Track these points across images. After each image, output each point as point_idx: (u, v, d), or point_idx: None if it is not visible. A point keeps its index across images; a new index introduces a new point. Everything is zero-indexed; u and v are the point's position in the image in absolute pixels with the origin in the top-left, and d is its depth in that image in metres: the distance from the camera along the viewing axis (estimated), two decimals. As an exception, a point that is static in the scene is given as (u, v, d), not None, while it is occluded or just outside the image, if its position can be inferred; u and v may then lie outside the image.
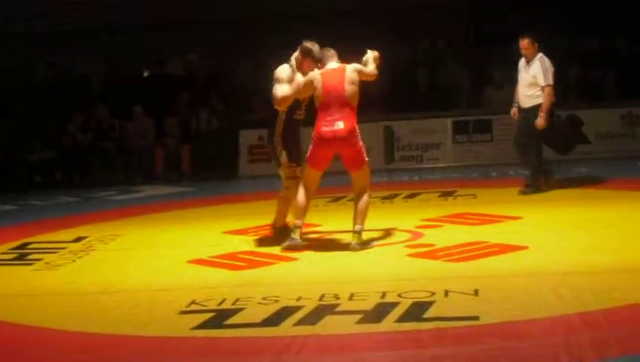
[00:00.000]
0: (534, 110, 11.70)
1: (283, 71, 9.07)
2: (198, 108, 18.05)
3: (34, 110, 18.55)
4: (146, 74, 20.54)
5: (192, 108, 18.23)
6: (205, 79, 19.46)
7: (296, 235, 8.91)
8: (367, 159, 9.00)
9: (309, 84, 8.85)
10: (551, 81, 11.68)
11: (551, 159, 14.08)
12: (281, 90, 8.93)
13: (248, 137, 16.85)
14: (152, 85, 19.26)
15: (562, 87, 17.03)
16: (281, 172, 9.32)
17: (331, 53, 9.03)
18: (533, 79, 11.68)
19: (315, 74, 8.85)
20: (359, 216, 8.83)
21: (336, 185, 13.66)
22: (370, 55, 9.16)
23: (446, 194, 12.29)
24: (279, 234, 9.35)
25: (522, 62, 11.91)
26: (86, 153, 17.39)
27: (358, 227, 8.81)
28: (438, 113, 16.91)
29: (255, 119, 17.52)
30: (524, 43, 11.79)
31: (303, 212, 8.97)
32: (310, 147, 8.87)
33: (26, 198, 15.24)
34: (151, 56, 20.15)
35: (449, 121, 16.64)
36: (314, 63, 8.99)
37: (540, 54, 11.78)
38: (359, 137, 8.87)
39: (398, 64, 19.06)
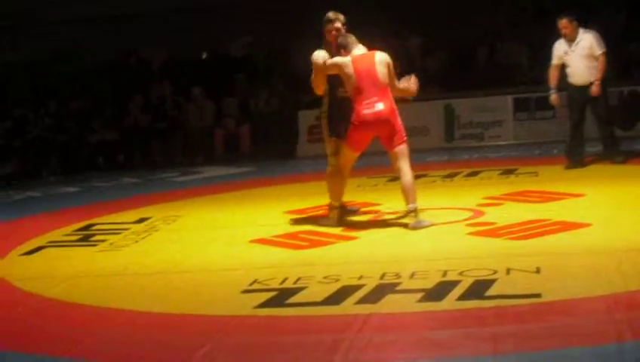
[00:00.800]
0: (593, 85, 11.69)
1: (318, 55, 9.11)
2: (257, 88, 18.14)
3: (95, 92, 18.76)
4: (204, 56, 20.66)
5: (251, 88, 18.33)
6: (263, 59, 19.54)
7: (333, 214, 9.09)
8: (406, 137, 8.98)
9: (334, 66, 8.91)
10: (604, 49, 11.69)
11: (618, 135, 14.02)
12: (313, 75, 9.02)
13: (307, 117, 16.86)
14: (211, 67, 19.38)
15: (622, 63, 16.92)
16: (326, 148, 9.35)
17: (353, 39, 9.07)
18: (590, 50, 11.63)
19: (346, 59, 8.88)
20: (409, 194, 8.81)
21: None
22: (409, 83, 9.15)
23: (507, 172, 12.22)
24: (342, 212, 9.41)
25: (562, 43, 11.85)
26: (146, 134, 17.56)
27: (411, 206, 8.80)
28: (499, 90, 16.78)
29: (314, 99, 17.62)
30: (563, 22, 11.76)
31: (340, 192, 9.14)
32: (349, 131, 8.90)
33: (88, 180, 15.44)
34: (208, 39, 20.27)
35: (510, 98, 16.52)
36: (346, 54, 8.95)
37: (582, 29, 11.74)
38: (398, 116, 8.91)
39: (456, 41, 19.01)
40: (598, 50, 11.67)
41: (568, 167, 11.93)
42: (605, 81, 11.89)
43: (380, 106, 8.79)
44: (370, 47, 9.11)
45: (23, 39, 20.22)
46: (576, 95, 11.86)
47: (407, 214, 8.85)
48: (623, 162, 12.02)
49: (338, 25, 9.21)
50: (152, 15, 20.43)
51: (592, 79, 11.71)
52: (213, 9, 20.17)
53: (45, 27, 20.44)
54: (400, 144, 8.90)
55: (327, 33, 9.23)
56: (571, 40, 11.74)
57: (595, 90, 11.64)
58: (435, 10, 19.37)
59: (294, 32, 18.67)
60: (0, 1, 19.29)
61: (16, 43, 20.25)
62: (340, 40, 9.10)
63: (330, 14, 9.25)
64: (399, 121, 8.90)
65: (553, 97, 12.09)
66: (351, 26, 9.33)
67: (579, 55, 11.74)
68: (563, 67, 11.93)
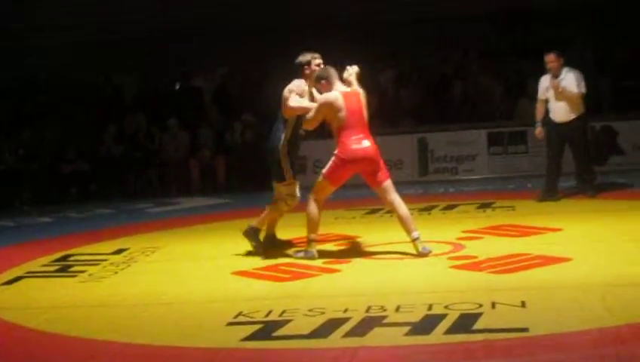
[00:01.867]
0: (573, 122, 11.82)
1: (298, 85, 9.21)
2: (232, 121, 18.14)
3: (67, 122, 18.68)
4: (177, 86, 20.66)
5: (226, 120, 18.34)
6: (237, 92, 19.56)
7: (312, 248, 9.14)
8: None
9: (330, 105, 8.94)
10: (584, 90, 11.82)
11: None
12: (296, 100, 9.10)
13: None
14: (184, 98, 19.36)
15: (595, 99, 17.09)
16: (282, 188, 9.46)
17: (333, 71, 9.14)
18: (570, 89, 11.76)
19: (337, 95, 8.95)
20: (409, 224, 8.93)
21: (371, 196, 13.82)
22: (353, 72, 9.20)
23: (484, 206, 12.29)
24: (271, 241, 9.73)
25: (546, 78, 12.00)
26: (120, 164, 17.50)
27: (414, 234, 8.90)
28: (473, 125, 16.89)
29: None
30: (550, 57, 11.91)
31: (317, 226, 9.14)
32: (332, 165, 8.96)
33: (62, 210, 15.35)
34: (178, 69, 20.28)
35: (484, 133, 16.63)
36: (328, 85, 9.06)
37: (567, 67, 11.88)
38: None
39: (430, 76, 19.14)
40: (576, 90, 11.79)
41: (541, 200, 12.03)
42: (584, 118, 12.01)
43: (366, 143, 8.91)
44: (343, 79, 9.18)
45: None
46: (555, 131, 11.98)
47: (413, 244, 8.90)
48: (593, 196, 12.13)
49: (319, 61, 9.28)
50: (127, 41, 20.41)
51: (572, 117, 11.83)
52: (188, 37, 20.22)
53: (22, 52, 20.39)
54: (386, 179, 8.97)
55: (309, 70, 9.26)
56: (555, 76, 11.87)
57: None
58: (408, 44, 19.53)
59: (270, 65, 18.82)
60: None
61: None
62: (319, 72, 9.15)
63: (308, 55, 9.31)
64: (381, 158, 8.99)
65: (537, 130, 12.21)
66: (324, 59, 9.40)
67: (557, 93, 11.87)
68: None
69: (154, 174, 17.56)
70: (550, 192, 12.11)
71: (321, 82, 9.12)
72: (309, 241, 9.21)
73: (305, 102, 9.18)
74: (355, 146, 8.86)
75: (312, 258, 9.10)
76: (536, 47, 16.28)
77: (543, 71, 12.17)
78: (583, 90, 11.90)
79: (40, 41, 20.47)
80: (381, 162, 9.00)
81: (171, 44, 20.25)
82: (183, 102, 18.91)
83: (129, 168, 17.55)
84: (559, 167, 12.19)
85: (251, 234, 9.75)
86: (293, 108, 9.14)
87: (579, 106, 11.93)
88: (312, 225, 9.17)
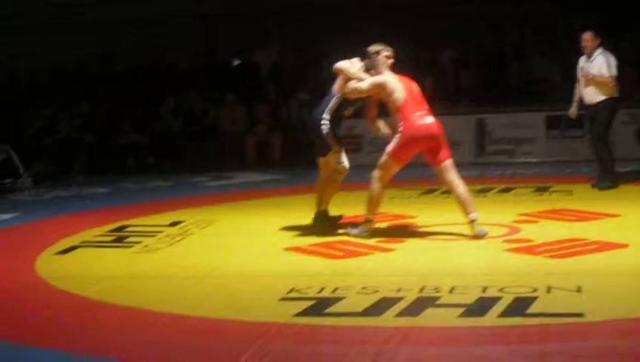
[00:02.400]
0: (598, 105, 11.58)
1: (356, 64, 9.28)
2: (287, 98, 18.16)
3: (125, 94, 18.80)
4: (235, 62, 20.68)
5: (282, 97, 18.36)
6: (292, 70, 19.56)
7: (367, 226, 9.11)
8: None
9: (380, 85, 9.03)
10: (614, 73, 11.54)
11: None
12: (359, 82, 9.14)
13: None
14: (242, 74, 19.39)
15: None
16: (330, 158, 9.47)
17: (384, 61, 9.20)
18: (598, 71, 11.52)
19: (386, 78, 9.04)
20: (468, 205, 8.89)
21: (427, 177, 13.75)
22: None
23: (541, 190, 12.17)
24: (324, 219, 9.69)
25: (583, 59, 11.79)
26: (178, 138, 17.59)
27: (472, 216, 8.86)
28: (531, 107, 16.72)
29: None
30: (586, 35, 11.66)
31: (377, 206, 9.12)
32: (396, 143, 8.92)
33: (119, 181, 15.46)
34: (237, 45, 20.31)
35: (542, 116, 16.45)
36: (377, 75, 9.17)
37: (601, 48, 11.63)
38: None
39: (489, 55, 18.98)
40: (602, 73, 11.53)
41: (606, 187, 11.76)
42: (610, 102, 11.68)
43: (429, 119, 8.91)
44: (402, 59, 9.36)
45: (57, 40, 20.27)
46: (586, 114, 11.83)
47: (470, 225, 8.86)
48: (596, 186, 11.90)
49: (388, 53, 9.31)
50: (180, 17, 20.49)
51: (597, 100, 11.58)
52: (238, 16, 20.26)
53: (80, 28, 20.53)
54: (447, 158, 8.95)
55: (383, 58, 9.23)
56: (588, 56, 11.67)
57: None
58: (468, 24, 19.37)
59: (327, 43, 18.79)
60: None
61: (50, 43, 20.30)
62: (366, 62, 9.24)
63: (380, 46, 9.29)
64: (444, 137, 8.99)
65: (571, 110, 12.06)
66: (384, 40, 9.39)
67: (586, 74, 11.65)
68: None
69: (211, 148, 17.61)
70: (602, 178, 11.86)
71: (370, 72, 9.19)
72: (366, 220, 9.18)
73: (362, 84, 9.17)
74: (419, 122, 8.87)
75: (365, 236, 9.07)
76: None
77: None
78: (614, 73, 11.58)
79: (97, 16, 20.59)
80: (444, 140, 8.97)
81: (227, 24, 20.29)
82: (240, 78, 18.93)
83: (187, 141, 17.62)
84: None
85: (321, 218, 9.71)
86: (355, 91, 9.17)
87: (607, 90, 11.60)
88: (373, 205, 9.13)
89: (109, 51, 20.57)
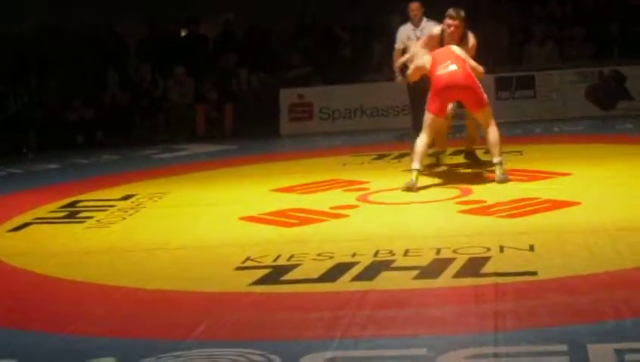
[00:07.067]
0: None
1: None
2: (238, 67, 18.06)
3: (72, 69, 18.56)
4: (183, 33, 20.50)
5: (232, 67, 18.24)
6: (243, 38, 19.43)
7: (415, 177, 9.39)
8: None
9: (420, 69, 9.92)
10: None
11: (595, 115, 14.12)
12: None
13: (288, 96, 16.87)
14: (190, 44, 19.22)
15: (604, 43, 17.01)
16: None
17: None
18: None
19: (425, 60, 9.82)
20: (494, 148, 9.54)
21: (380, 142, 13.81)
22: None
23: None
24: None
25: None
26: (126, 111, 17.45)
27: (496, 159, 9.48)
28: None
29: (294, 77, 17.60)
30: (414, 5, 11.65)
31: (422, 156, 9.54)
32: (429, 97, 9.68)
33: (69, 157, 15.32)
34: (186, 15, 20.11)
35: (492, 78, 16.49)
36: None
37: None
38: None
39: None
40: None
41: None
42: None
43: (453, 67, 9.51)
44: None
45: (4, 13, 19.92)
46: None
47: (495, 167, 9.53)
48: None
49: (450, 22, 10.03)
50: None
51: None
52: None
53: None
54: (476, 111, 9.74)
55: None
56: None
57: None
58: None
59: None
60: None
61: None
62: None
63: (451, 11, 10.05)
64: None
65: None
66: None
67: None
68: None
69: (160, 121, 17.49)
70: None
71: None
72: (412, 170, 9.45)
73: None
74: (440, 72, 9.46)
75: (412, 186, 9.31)
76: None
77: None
78: None
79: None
80: (475, 90, 9.47)
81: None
82: (188, 49, 18.76)
83: (135, 115, 17.48)
84: None
85: (471, 157, 10.62)
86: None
87: None
88: (417, 155, 9.48)
89: (56, 24, 20.25)
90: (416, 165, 9.40)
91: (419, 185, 9.43)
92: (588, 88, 16.03)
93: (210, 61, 18.16)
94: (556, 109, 15.81)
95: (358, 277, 6.42)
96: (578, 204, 8.33)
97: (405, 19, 11.59)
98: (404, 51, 11.52)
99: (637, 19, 17.37)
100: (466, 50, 9.82)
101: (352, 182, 10.33)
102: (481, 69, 9.69)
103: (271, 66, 18.15)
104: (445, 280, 6.23)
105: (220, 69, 17.94)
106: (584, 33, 17.30)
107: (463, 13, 10.00)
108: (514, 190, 9.20)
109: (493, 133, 9.50)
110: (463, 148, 10.94)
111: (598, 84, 15.91)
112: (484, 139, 9.81)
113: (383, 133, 14.65)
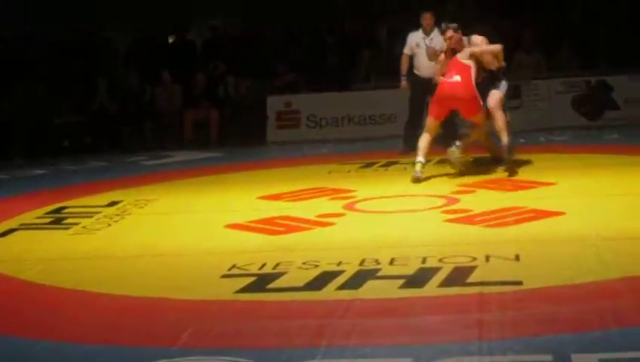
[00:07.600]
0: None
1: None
2: (226, 74, 18.02)
3: (60, 74, 18.52)
4: (171, 40, 20.48)
5: (219, 74, 18.22)
6: (231, 45, 19.42)
7: (420, 168, 10.33)
8: None
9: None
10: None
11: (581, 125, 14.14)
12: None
13: (276, 103, 16.85)
14: (178, 51, 19.20)
15: (592, 52, 17.06)
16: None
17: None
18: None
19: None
20: (501, 133, 10.44)
21: (367, 151, 13.81)
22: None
23: (478, 160, 12.20)
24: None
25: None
26: (114, 119, 17.40)
27: (505, 141, 10.40)
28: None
29: (282, 85, 17.59)
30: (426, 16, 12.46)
31: (424, 151, 10.48)
32: (430, 101, 10.81)
33: (55, 163, 15.27)
34: (174, 22, 20.09)
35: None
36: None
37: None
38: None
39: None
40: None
41: None
42: None
43: (456, 78, 10.34)
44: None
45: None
46: None
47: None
48: None
49: (450, 34, 10.64)
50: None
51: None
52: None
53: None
54: (469, 117, 10.81)
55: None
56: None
57: None
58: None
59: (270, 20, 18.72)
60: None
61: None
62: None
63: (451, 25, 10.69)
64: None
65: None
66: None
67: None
68: None
69: (148, 127, 17.45)
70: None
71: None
72: (418, 162, 10.38)
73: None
74: (445, 81, 10.36)
75: (419, 177, 10.23)
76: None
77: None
78: None
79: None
80: (471, 101, 10.30)
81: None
82: (176, 56, 18.74)
83: (123, 121, 17.44)
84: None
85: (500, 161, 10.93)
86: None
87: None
88: (421, 150, 10.48)
89: (42, 29, 20.19)
90: (420, 158, 10.36)
91: (410, 192, 9.79)
92: (574, 98, 16.06)
93: (198, 67, 18.13)
94: (542, 119, 15.82)
95: (344, 286, 6.42)
96: (563, 213, 8.35)
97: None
98: (411, 57, 11.88)
99: (624, 29, 17.42)
100: (473, 46, 10.56)
101: (338, 191, 10.32)
102: (498, 47, 10.58)
103: (258, 73, 18.12)
104: (431, 289, 6.24)
105: (207, 75, 17.91)
106: (571, 43, 17.34)
107: (452, 25, 10.63)
108: (499, 200, 9.22)
109: (501, 119, 10.48)
110: (488, 156, 11.34)
111: (585, 94, 15.93)
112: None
113: (370, 142, 14.67)
